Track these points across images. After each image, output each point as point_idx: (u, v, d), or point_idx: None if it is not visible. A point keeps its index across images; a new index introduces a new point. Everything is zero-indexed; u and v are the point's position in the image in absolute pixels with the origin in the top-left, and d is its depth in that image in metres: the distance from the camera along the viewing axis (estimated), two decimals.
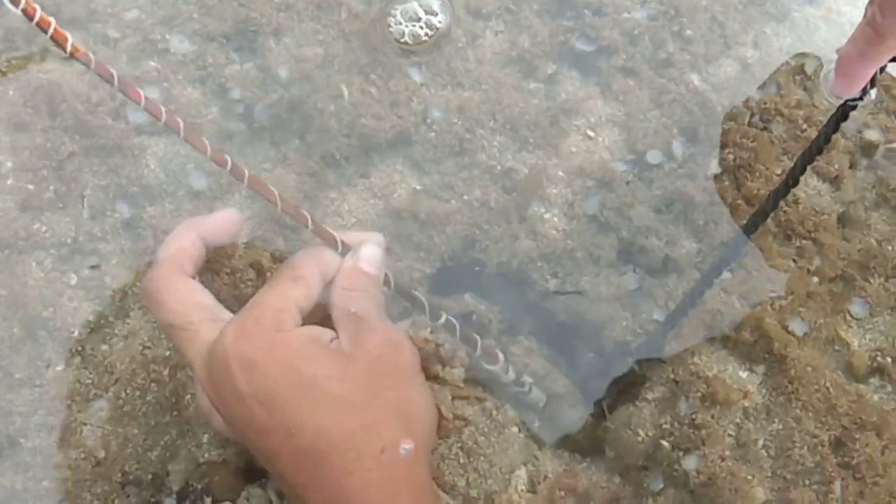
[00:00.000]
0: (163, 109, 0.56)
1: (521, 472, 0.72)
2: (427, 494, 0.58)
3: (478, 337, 0.70)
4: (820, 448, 0.72)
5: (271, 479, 0.68)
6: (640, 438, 0.74)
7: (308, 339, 0.57)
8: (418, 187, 0.80)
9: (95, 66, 0.53)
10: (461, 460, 0.70)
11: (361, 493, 0.54)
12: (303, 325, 0.58)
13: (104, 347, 0.74)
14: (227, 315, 0.59)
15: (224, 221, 0.62)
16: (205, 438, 0.71)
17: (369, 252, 0.61)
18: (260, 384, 0.55)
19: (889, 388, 0.76)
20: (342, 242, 0.61)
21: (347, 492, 0.54)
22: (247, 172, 0.58)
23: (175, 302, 0.58)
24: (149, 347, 0.73)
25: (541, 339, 0.79)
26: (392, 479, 0.55)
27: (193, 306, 0.59)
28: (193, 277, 0.60)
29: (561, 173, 0.81)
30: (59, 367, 0.74)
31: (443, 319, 0.67)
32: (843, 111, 0.66)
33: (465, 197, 0.79)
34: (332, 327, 0.60)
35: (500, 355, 0.72)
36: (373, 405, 0.57)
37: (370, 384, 0.57)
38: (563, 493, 0.72)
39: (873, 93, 0.85)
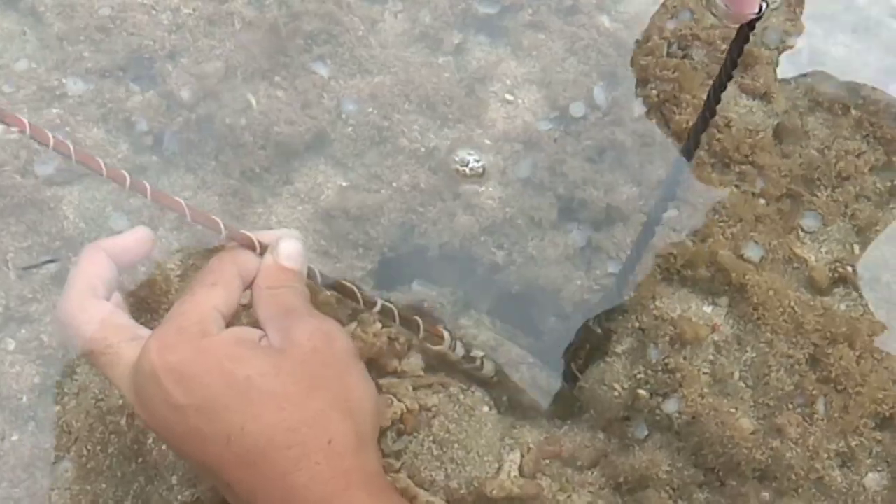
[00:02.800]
0: (50, 136, 0.53)
1: (514, 456, 0.69)
2: (379, 481, 0.55)
3: (419, 319, 0.66)
4: (797, 367, 0.69)
5: None
6: (616, 393, 0.71)
7: (236, 341, 0.54)
8: (345, 184, 0.76)
9: None
10: (435, 453, 0.68)
11: (311, 488, 0.51)
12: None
13: (57, 408, 0.71)
14: (146, 332, 0.56)
15: (133, 240, 0.59)
16: (174, 480, 0.68)
17: (288, 247, 0.58)
18: (193, 393, 0.52)
19: (854, 295, 0.74)
20: (259, 242, 0.58)
21: (296, 489, 0.51)
22: (148, 186, 0.55)
23: (90, 327, 0.55)
24: (101, 400, 0.70)
25: (497, 314, 0.76)
26: (341, 470, 0.52)
27: (110, 328, 0.55)
28: (107, 300, 0.57)
29: (487, 142, 0.77)
30: (14, 437, 0.70)
31: (378, 306, 0.63)
32: (745, 33, 0.62)
33: (395, 184, 0.76)
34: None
35: (446, 334, 0.69)
36: (312, 398, 0.53)
37: (307, 376, 0.54)
38: (547, 461, 0.69)
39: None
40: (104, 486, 0.68)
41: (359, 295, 0.63)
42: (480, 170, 0.77)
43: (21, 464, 0.69)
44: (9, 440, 0.70)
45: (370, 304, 0.63)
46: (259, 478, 0.51)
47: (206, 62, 0.78)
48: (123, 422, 0.69)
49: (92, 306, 0.56)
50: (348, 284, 0.63)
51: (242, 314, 0.62)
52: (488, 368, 0.73)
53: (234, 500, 0.54)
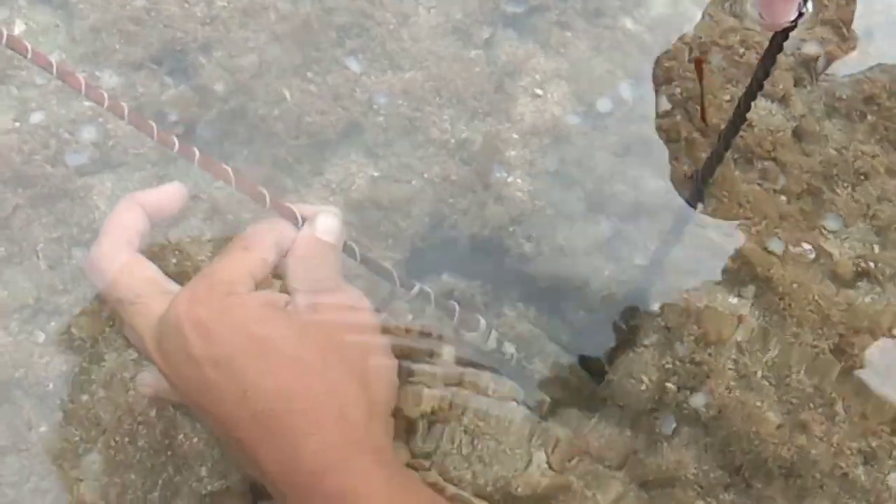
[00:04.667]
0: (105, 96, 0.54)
1: (541, 452, 0.68)
2: (386, 455, 0.55)
3: (455, 304, 0.66)
4: (821, 356, 0.69)
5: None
6: (644, 386, 0.70)
7: (263, 302, 0.54)
8: (376, 174, 0.75)
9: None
10: (465, 449, 0.66)
11: (319, 455, 0.51)
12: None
13: (84, 398, 0.69)
14: (177, 287, 0.56)
15: (168, 194, 0.59)
16: (203, 471, 0.67)
17: (326, 221, 0.58)
18: (215, 347, 0.52)
19: (878, 289, 0.73)
20: (301, 216, 0.58)
21: (304, 453, 0.51)
22: (197, 152, 0.56)
23: (122, 276, 0.55)
24: (130, 390, 0.68)
25: (528, 305, 0.75)
26: (351, 440, 0.52)
27: (141, 280, 0.56)
28: (139, 251, 0.57)
29: (515, 135, 0.77)
30: (43, 428, 0.69)
31: (416, 290, 0.63)
32: (778, 42, 0.62)
33: (426, 175, 0.76)
34: None
35: (482, 320, 0.68)
36: (330, 367, 0.54)
37: (327, 346, 0.54)
38: (575, 458, 0.68)
39: (810, 7, 0.82)
40: (133, 477, 0.67)
41: (395, 276, 0.63)
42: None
43: (50, 455, 0.68)
44: (36, 431, 0.68)
45: (408, 286, 0.63)
46: (269, 438, 0.51)
47: (239, 56, 0.77)
48: (153, 413, 0.68)
49: (125, 256, 0.56)
50: (385, 265, 0.63)
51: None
52: (516, 360, 0.72)
53: (242, 456, 0.54)
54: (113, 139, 0.75)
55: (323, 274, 0.57)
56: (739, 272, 0.72)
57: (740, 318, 0.70)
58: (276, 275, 0.59)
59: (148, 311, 0.54)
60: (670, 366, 0.69)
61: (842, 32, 0.83)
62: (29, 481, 0.67)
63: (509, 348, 0.71)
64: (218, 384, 0.52)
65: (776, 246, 0.73)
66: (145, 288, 0.55)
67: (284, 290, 0.57)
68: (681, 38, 0.82)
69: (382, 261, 0.69)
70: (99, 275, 0.56)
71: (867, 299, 0.73)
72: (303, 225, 0.58)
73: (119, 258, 0.55)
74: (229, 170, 0.57)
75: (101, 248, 0.56)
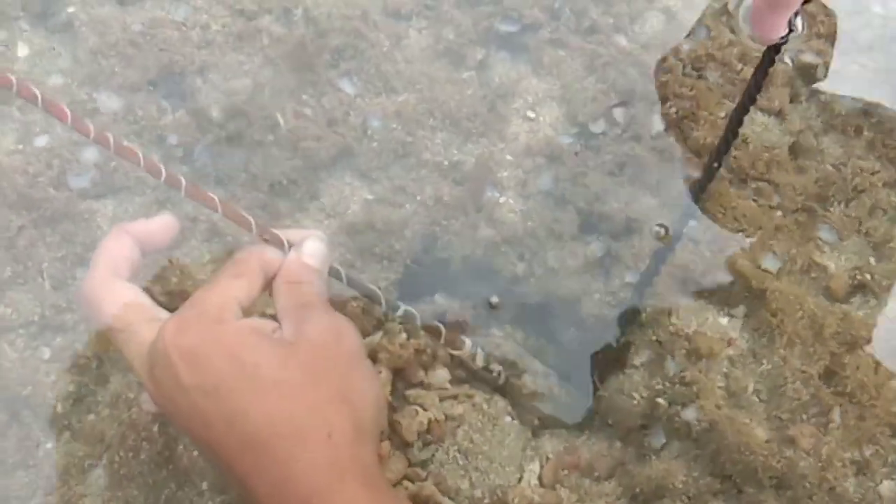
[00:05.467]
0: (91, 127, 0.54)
1: (534, 466, 0.70)
2: (375, 475, 0.55)
3: (440, 325, 0.67)
4: (812, 381, 0.69)
5: None
6: (635, 401, 0.71)
7: (250, 330, 0.54)
8: (370, 197, 0.76)
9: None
10: (460, 462, 0.67)
11: (307, 476, 0.52)
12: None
13: (91, 417, 0.71)
14: (165, 314, 0.56)
15: (158, 226, 0.59)
16: (204, 486, 0.68)
17: (312, 246, 0.59)
18: (203, 375, 0.52)
19: (873, 302, 0.73)
20: (287, 242, 0.58)
21: (292, 477, 0.52)
22: (183, 181, 0.56)
23: (112, 305, 0.56)
24: (134, 408, 0.69)
25: (518, 325, 0.75)
26: (338, 462, 0.53)
27: (131, 308, 0.56)
28: (129, 281, 0.57)
29: (509, 157, 0.78)
30: (49, 445, 0.70)
31: (401, 311, 0.64)
32: (770, 56, 0.62)
33: (419, 197, 0.76)
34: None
35: (467, 341, 0.69)
36: (316, 390, 0.54)
37: (313, 371, 0.54)
38: (566, 471, 0.69)
39: (799, 24, 0.81)
40: (135, 492, 0.68)
41: (382, 298, 0.63)
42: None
43: (56, 472, 0.69)
44: (43, 448, 0.70)
45: (393, 308, 0.64)
46: (258, 462, 0.52)
47: (234, 79, 0.78)
48: (156, 429, 0.69)
49: (115, 286, 0.56)
50: (371, 286, 0.63)
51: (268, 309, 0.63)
52: (505, 378, 0.73)
53: (232, 481, 0.54)
54: (115, 162, 0.76)
55: (307, 298, 0.57)
56: (731, 288, 0.72)
57: (729, 342, 0.71)
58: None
59: (138, 340, 0.55)
60: (660, 386, 0.70)
61: (838, 46, 0.82)
62: (35, 496, 0.69)
63: (496, 367, 0.72)
64: (206, 411, 0.52)
65: (770, 262, 0.73)
66: (134, 316, 0.56)
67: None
68: (676, 55, 0.81)
69: (374, 283, 0.70)
70: (90, 305, 0.56)
71: (861, 313, 0.72)
72: (289, 250, 0.58)
73: (108, 287, 0.56)
74: (216, 198, 0.57)
75: (92, 279, 0.57)
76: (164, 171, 0.55)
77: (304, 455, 0.52)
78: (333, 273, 0.60)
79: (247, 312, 0.56)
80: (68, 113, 0.54)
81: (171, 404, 0.54)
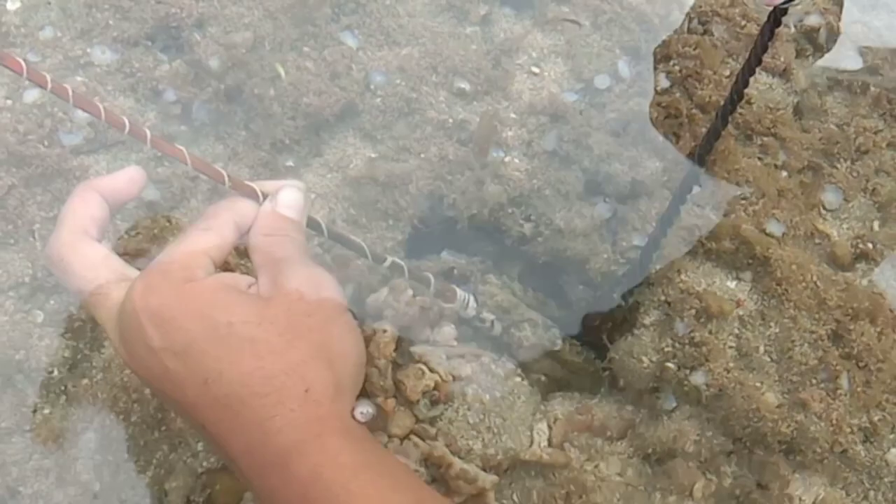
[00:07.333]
0: (48, 77, 0.50)
1: (543, 426, 0.68)
2: (356, 429, 0.53)
3: (430, 276, 0.64)
4: (820, 343, 0.68)
5: None
6: (644, 364, 0.70)
7: (221, 286, 0.52)
8: (373, 155, 0.74)
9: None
10: (471, 420, 0.66)
11: (285, 434, 0.50)
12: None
13: (85, 381, 0.68)
14: (136, 274, 0.54)
15: (125, 180, 0.56)
16: (199, 447, 0.66)
17: (288, 196, 0.55)
18: (173, 336, 0.50)
19: (876, 270, 0.72)
20: (262, 193, 0.55)
21: (270, 434, 0.50)
22: (148, 133, 0.52)
23: (82, 267, 0.53)
24: (126, 371, 0.67)
25: (527, 283, 0.74)
26: (316, 417, 0.51)
27: (102, 269, 0.53)
28: (99, 241, 0.54)
29: (513, 115, 0.76)
30: (46, 410, 0.68)
31: (388, 262, 0.61)
32: (776, 17, 0.60)
33: (423, 155, 0.74)
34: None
35: (459, 292, 0.67)
36: (293, 346, 0.52)
37: (289, 325, 0.52)
38: (576, 432, 0.68)
39: None
40: (126, 456, 0.67)
41: (367, 250, 0.61)
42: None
43: (52, 436, 0.67)
44: (41, 413, 0.68)
45: (379, 260, 0.61)
46: (234, 422, 0.50)
47: (234, 32, 0.75)
48: (148, 391, 0.67)
49: (83, 246, 0.53)
50: (355, 239, 0.60)
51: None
52: (497, 329, 0.71)
53: (208, 440, 0.53)
54: None
55: (284, 251, 0.54)
56: (737, 253, 0.71)
57: (738, 303, 0.70)
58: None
59: (107, 302, 0.53)
60: (669, 348, 0.69)
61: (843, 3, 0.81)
62: (31, 460, 0.67)
63: (489, 316, 0.70)
64: (178, 373, 0.50)
65: (775, 227, 0.72)
66: (105, 277, 0.53)
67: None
68: (681, 9, 0.80)
69: (378, 245, 0.68)
70: (58, 268, 0.53)
71: (864, 281, 0.72)
72: (264, 201, 0.55)
73: (78, 248, 0.53)
74: (183, 150, 0.53)
75: (58, 239, 0.53)
76: (127, 123, 0.52)
77: (281, 412, 0.50)
78: (312, 225, 0.57)
79: (219, 265, 0.53)
80: (22, 63, 0.49)
81: (142, 366, 0.52)
